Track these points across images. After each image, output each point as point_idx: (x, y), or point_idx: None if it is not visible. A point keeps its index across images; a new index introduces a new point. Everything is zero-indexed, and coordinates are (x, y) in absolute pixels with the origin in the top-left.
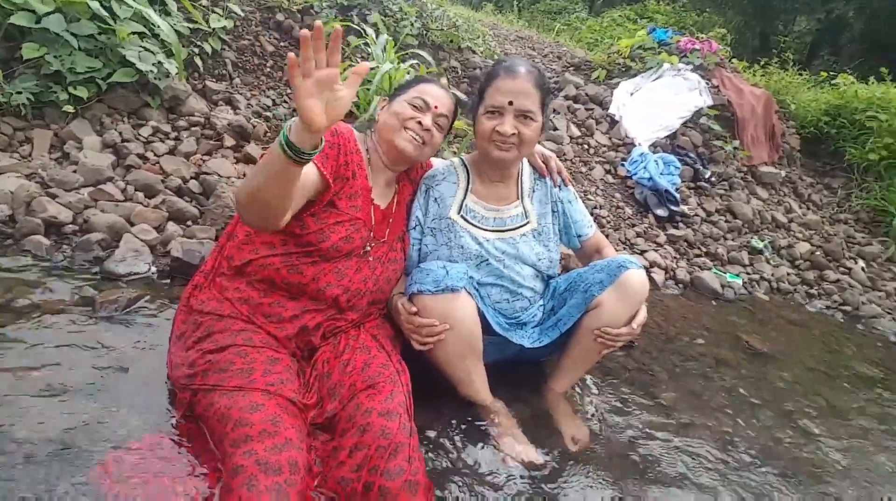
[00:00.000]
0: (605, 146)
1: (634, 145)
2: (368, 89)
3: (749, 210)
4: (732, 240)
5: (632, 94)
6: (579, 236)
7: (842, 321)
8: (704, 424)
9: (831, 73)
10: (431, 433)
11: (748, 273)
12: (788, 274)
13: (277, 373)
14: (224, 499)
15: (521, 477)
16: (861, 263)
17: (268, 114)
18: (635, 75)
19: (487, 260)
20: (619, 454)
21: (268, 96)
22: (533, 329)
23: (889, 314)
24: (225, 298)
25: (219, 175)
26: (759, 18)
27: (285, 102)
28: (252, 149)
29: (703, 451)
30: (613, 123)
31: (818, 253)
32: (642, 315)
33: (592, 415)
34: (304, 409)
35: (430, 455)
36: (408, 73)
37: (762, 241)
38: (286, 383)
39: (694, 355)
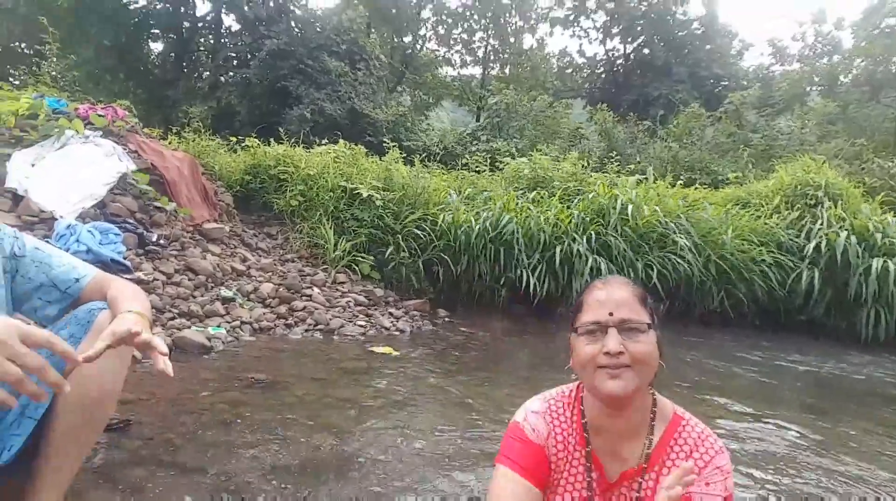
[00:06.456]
0: (15, 227)
1: (55, 219)
2: None
3: (208, 265)
4: (202, 296)
5: (33, 164)
6: (69, 289)
7: (321, 337)
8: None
9: (240, 136)
10: None
11: (229, 321)
12: (264, 313)
13: None
14: None
15: None
16: (316, 289)
17: None
18: (31, 145)
19: None
20: None
21: None
22: None
23: (349, 322)
24: None
25: None
26: (159, 108)
27: None
28: None
29: None
30: (17, 198)
31: (281, 289)
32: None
33: None
34: None
35: None
36: None
37: (230, 290)
38: None
39: (207, 407)
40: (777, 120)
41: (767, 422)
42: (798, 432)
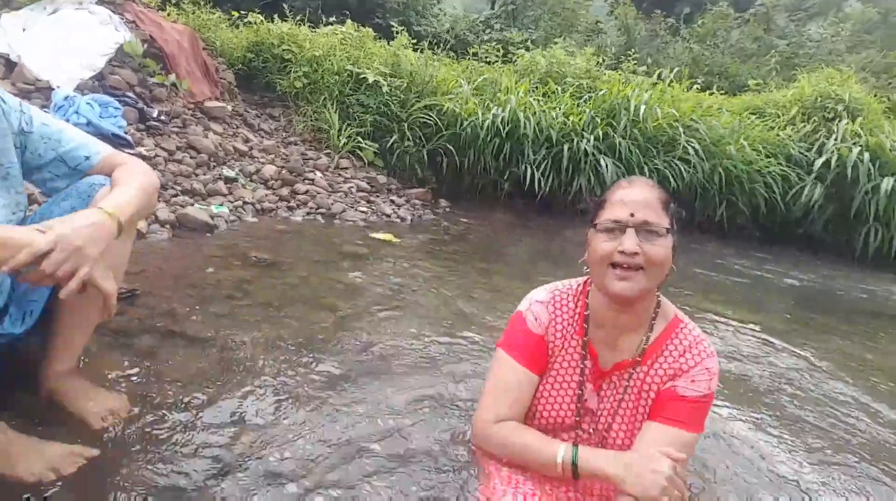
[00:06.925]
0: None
1: (52, 89)
2: None
3: (210, 144)
4: (204, 174)
5: (24, 30)
6: (79, 166)
7: (323, 221)
8: (242, 343)
9: (241, 11)
10: None
11: (231, 201)
12: (266, 195)
13: None
14: None
15: None
16: (319, 173)
17: None
18: (20, 8)
19: None
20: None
21: None
22: (13, 308)
23: (351, 208)
24: None
25: None
26: None
27: None
28: None
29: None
30: (11, 64)
31: (284, 172)
32: None
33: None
34: None
35: None
36: None
37: (233, 170)
38: None
39: (211, 282)
40: (808, 25)
41: (752, 333)
42: (788, 348)
